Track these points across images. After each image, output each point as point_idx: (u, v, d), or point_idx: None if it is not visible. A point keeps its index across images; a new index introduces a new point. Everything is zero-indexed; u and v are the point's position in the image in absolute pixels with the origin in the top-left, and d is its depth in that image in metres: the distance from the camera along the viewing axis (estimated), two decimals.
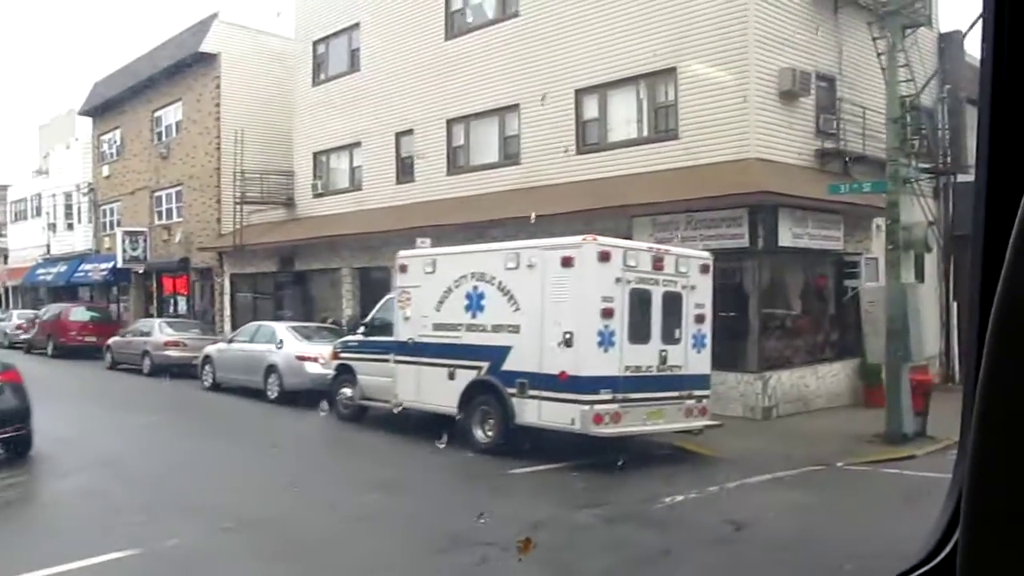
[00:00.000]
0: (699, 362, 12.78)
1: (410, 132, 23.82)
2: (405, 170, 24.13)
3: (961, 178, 21.79)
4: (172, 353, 23.03)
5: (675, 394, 12.41)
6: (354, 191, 25.89)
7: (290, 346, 18.14)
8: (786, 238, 15.85)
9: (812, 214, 16.46)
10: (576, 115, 19.61)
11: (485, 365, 12.74)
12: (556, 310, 11.84)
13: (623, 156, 18.54)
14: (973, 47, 23.05)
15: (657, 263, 12.20)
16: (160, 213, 33.92)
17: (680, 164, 17.27)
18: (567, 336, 11.61)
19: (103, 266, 35.68)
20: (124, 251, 33.49)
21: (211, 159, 30.27)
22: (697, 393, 12.69)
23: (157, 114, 34.01)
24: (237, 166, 27.64)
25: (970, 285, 1.45)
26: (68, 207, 40.62)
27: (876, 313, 14.15)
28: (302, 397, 17.28)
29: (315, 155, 27.47)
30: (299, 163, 28.09)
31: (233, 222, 28.15)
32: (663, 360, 12.25)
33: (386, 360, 14.60)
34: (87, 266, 37.48)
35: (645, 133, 18.44)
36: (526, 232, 16.32)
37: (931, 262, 21.70)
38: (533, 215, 17.59)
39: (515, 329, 12.39)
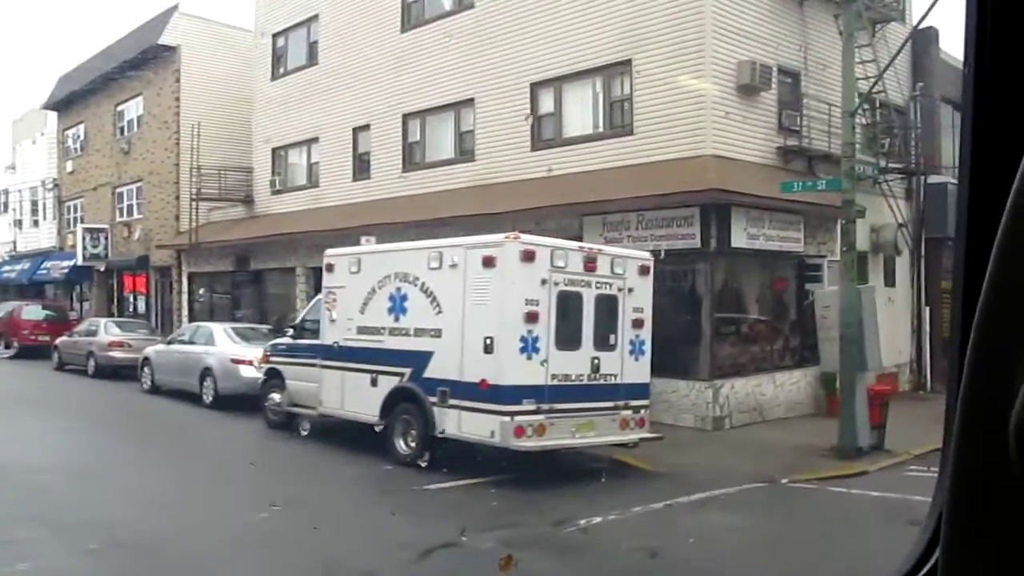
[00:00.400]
0: (637, 370, 11.95)
1: (367, 127, 23.00)
2: (362, 167, 23.31)
3: (934, 179, 21.03)
4: (116, 354, 22.17)
5: (609, 404, 11.59)
6: (311, 188, 25.07)
7: (225, 348, 17.28)
8: (740, 239, 15.03)
9: (770, 214, 15.65)
10: (532, 110, 18.80)
11: (407, 371, 11.92)
12: (477, 313, 11.02)
13: (579, 152, 17.72)
14: (948, 44, 22.32)
15: (589, 264, 11.38)
16: (122, 210, 33.04)
17: (635, 161, 16.46)
18: (488, 342, 10.79)
19: (64, 264, 34.78)
20: (84, 248, 32.59)
21: (170, 155, 29.40)
22: (634, 403, 11.87)
23: (119, 108, 33.12)
24: (194, 161, 26.76)
25: (953, 293, 1.42)
26: (34, 203, 39.73)
27: (831, 319, 13.34)
28: (238, 402, 16.46)
29: (274, 151, 26.64)
30: (258, 159, 27.25)
31: (189, 219, 27.29)
32: (595, 368, 11.42)
33: (314, 365, 13.78)
34: (49, 264, 36.55)
35: (600, 128, 17.63)
36: (481, 231, 15.43)
37: (903, 266, 20.95)
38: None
39: (437, 333, 11.57)
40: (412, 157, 21.90)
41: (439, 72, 20.55)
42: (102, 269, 33.45)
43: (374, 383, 12.41)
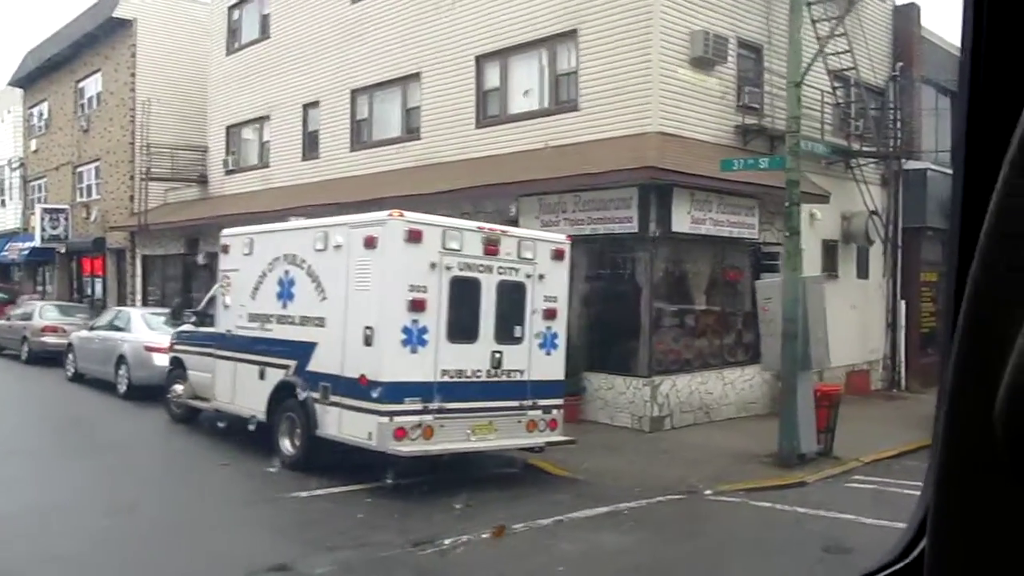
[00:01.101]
0: (548, 366, 10.74)
1: (316, 104, 21.81)
2: (311, 146, 22.12)
3: (912, 165, 19.71)
4: (49, 339, 21.04)
5: (514, 404, 10.40)
6: (262, 168, 23.90)
7: (140, 335, 16.14)
8: (683, 223, 13.77)
9: (719, 197, 14.38)
10: (477, 85, 17.56)
11: (292, 364, 10.76)
12: (359, 301, 9.84)
13: (524, 129, 16.48)
14: (931, 22, 20.92)
15: (490, 246, 10.16)
16: (82, 190, 31.93)
17: (580, 138, 15.22)
18: (367, 333, 9.60)
19: (24, 246, 33.75)
20: (43, 230, 31.46)
21: (126, 133, 28.23)
22: (544, 403, 10.67)
23: (80, 85, 31.97)
24: (144, 140, 25.62)
25: (946, 287, 1.42)
26: (0, 182, 38.66)
27: (773, 312, 12.09)
28: (154, 392, 15.29)
29: (228, 129, 25.49)
30: (212, 137, 26.13)
31: (138, 200, 26.18)
32: (496, 363, 10.22)
33: (211, 354, 12.64)
34: (13, 245, 35.52)
35: (546, 104, 16.37)
36: (423, 211, 14.23)
37: (877, 257, 19.66)
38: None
39: (321, 322, 10.41)
40: (360, 136, 20.72)
41: (387, 45, 19.34)
42: (63, 251, 32.40)
43: (262, 376, 11.28)
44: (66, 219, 31.72)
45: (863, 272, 19.47)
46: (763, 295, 12.28)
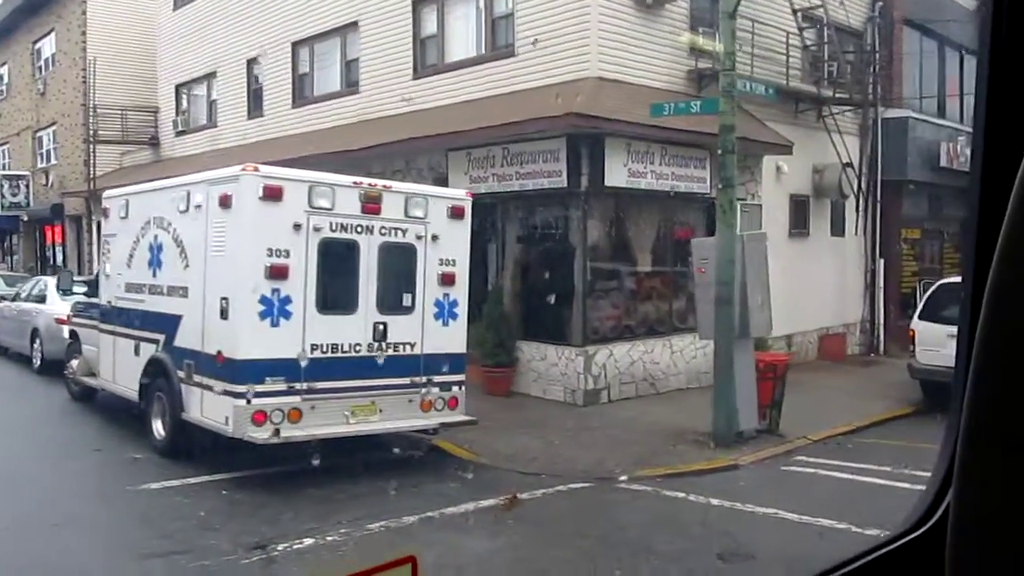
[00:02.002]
0: (446, 338, 9.58)
1: (259, 59, 20.54)
2: (256, 103, 20.90)
3: (892, 113, 18.29)
4: None
5: (404, 381, 9.27)
6: (211, 128, 22.70)
7: (53, 306, 15.07)
8: (618, 176, 12.50)
9: (662, 148, 13.10)
10: (414, 32, 16.24)
11: (161, 339, 9.67)
12: (217, 267, 8.71)
13: (461, 79, 15.20)
14: None
15: (369, 204, 8.96)
16: (42, 156, 30.86)
17: (517, 87, 13.95)
18: (223, 304, 8.48)
19: None
20: (3, 197, 30.47)
21: (78, 95, 27.03)
22: (441, 379, 9.53)
23: (37, 46, 30.75)
24: (91, 101, 24.44)
25: (963, 264, 1.43)
26: None
27: (711, 274, 10.87)
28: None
29: (177, 88, 24.27)
30: (162, 97, 24.95)
31: (91, 164, 25.06)
32: (381, 336, 9.07)
33: (96, 327, 11.59)
34: None
35: (483, 51, 15.05)
36: (357, 169, 13.01)
37: (853, 212, 18.33)
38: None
39: (184, 293, 9.29)
40: (302, 91, 19.48)
41: None
42: (25, 219, 31.43)
43: (136, 351, 10.21)
44: (27, 186, 30.71)
45: (838, 229, 18.16)
46: (699, 255, 11.04)
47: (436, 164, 14.47)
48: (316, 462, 8.47)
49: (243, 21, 20.85)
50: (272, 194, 8.28)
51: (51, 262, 30.33)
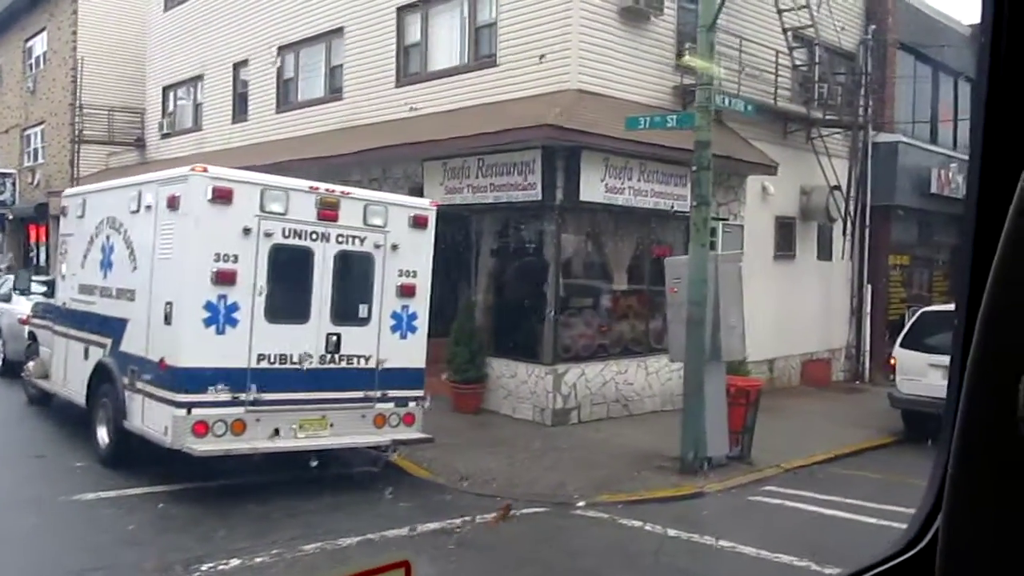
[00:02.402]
0: (404, 351, 9.24)
1: (245, 63, 20.29)
2: (241, 107, 20.63)
3: (883, 137, 18.02)
4: None
5: (356, 395, 8.93)
6: (196, 131, 22.43)
7: (15, 305, 14.73)
8: (595, 191, 12.19)
9: (641, 163, 12.80)
10: (398, 40, 15.98)
11: (109, 343, 9.33)
12: (163, 271, 8.39)
13: (444, 88, 14.91)
14: None
15: (326, 211, 8.64)
16: (29, 154, 30.55)
17: (498, 97, 13.67)
18: (167, 309, 8.15)
19: None
20: None
21: (67, 94, 26.77)
22: (397, 394, 9.18)
23: (28, 44, 30.50)
24: (78, 100, 24.19)
25: (959, 281, 1.42)
26: None
27: (683, 294, 10.55)
28: None
29: (164, 90, 24.02)
30: (150, 98, 24.69)
31: (76, 165, 24.79)
32: (334, 347, 8.74)
33: (50, 328, 11.26)
34: None
35: (466, 60, 14.78)
36: (335, 177, 12.71)
37: (841, 236, 18.02)
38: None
39: (132, 296, 8.96)
40: (287, 96, 19.21)
41: None
42: (11, 217, 31.10)
43: (86, 355, 9.87)
44: (13, 184, 30.39)
45: (825, 253, 17.86)
46: (672, 274, 10.71)
47: (412, 173, 14.18)
48: (261, 477, 8.14)
49: (231, 24, 20.62)
50: (221, 196, 7.97)
51: (35, 261, 29.99)
